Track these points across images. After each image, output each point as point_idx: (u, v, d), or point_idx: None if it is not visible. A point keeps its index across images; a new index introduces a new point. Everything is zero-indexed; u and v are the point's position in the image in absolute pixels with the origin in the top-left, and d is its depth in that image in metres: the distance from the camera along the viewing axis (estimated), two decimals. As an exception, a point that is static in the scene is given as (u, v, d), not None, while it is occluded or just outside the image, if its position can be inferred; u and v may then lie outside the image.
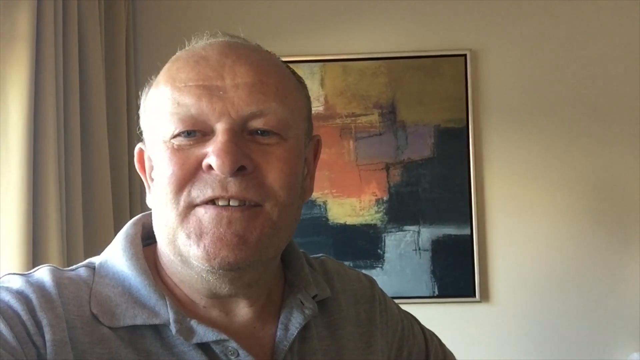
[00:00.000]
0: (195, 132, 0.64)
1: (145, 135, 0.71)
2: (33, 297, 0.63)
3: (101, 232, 1.83)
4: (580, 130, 2.18)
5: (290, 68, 0.73)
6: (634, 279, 2.15)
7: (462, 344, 2.05)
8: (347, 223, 2.19)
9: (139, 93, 0.73)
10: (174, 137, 0.65)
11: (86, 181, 1.81)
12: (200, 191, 0.63)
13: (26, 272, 0.68)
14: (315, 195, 2.17)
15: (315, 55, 2.21)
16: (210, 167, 0.63)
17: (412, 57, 2.20)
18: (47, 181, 1.56)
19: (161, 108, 0.66)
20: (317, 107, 2.19)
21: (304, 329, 0.73)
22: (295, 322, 0.72)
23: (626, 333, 2.14)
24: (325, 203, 2.19)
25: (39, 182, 1.56)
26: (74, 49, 1.74)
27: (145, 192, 0.73)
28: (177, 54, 0.71)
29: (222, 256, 0.62)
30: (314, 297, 0.76)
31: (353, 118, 2.20)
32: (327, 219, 2.19)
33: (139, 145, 0.74)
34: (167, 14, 2.24)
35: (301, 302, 0.74)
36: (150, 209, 0.71)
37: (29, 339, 0.60)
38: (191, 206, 0.64)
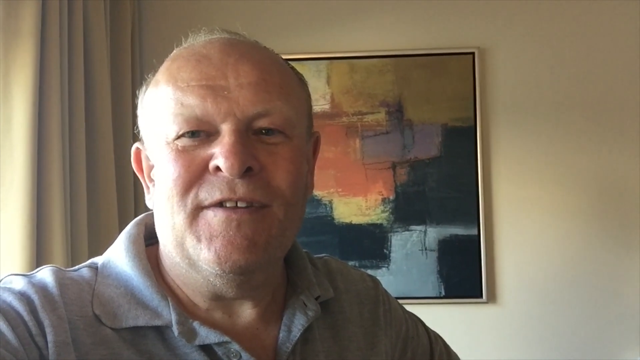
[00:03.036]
0: (200, 133, 0.64)
1: (144, 135, 0.71)
2: (35, 297, 0.63)
3: (106, 232, 1.83)
4: (589, 130, 2.16)
5: (289, 64, 0.72)
6: (641, 281, 2.13)
7: (468, 345, 2.05)
8: (353, 222, 2.18)
9: (137, 92, 0.72)
10: (178, 137, 0.64)
11: (91, 180, 1.81)
12: (208, 193, 0.63)
13: (28, 273, 0.68)
14: (320, 194, 2.16)
15: (322, 52, 2.20)
16: (217, 168, 0.62)
17: (419, 55, 2.18)
18: (51, 180, 1.56)
19: (163, 108, 0.65)
20: (323, 105, 2.18)
21: (307, 331, 0.72)
22: (298, 323, 0.71)
23: (633, 335, 2.12)
24: (330, 202, 2.18)
25: (43, 180, 1.55)
26: (79, 46, 1.74)
27: (148, 191, 0.73)
28: (175, 52, 0.70)
29: (233, 259, 0.62)
30: (316, 298, 0.75)
31: (359, 116, 2.19)
32: (333, 218, 2.18)
33: (135, 145, 0.73)
34: (172, 10, 2.24)
35: (304, 303, 0.73)
36: (151, 209, 0.71)
37: (31, 340, 0.60)
38: (199, 208, 0.63)
